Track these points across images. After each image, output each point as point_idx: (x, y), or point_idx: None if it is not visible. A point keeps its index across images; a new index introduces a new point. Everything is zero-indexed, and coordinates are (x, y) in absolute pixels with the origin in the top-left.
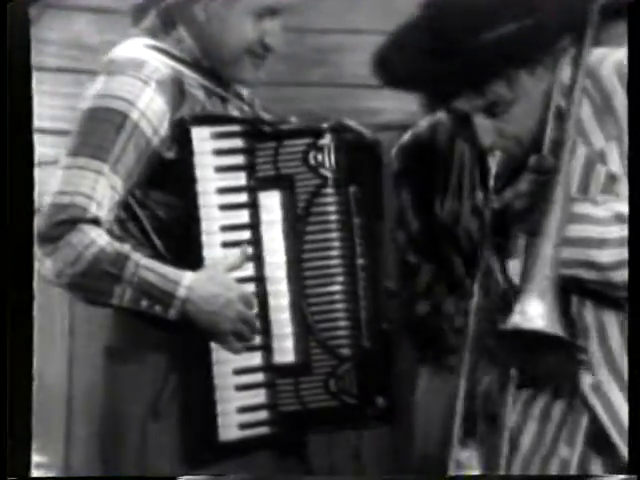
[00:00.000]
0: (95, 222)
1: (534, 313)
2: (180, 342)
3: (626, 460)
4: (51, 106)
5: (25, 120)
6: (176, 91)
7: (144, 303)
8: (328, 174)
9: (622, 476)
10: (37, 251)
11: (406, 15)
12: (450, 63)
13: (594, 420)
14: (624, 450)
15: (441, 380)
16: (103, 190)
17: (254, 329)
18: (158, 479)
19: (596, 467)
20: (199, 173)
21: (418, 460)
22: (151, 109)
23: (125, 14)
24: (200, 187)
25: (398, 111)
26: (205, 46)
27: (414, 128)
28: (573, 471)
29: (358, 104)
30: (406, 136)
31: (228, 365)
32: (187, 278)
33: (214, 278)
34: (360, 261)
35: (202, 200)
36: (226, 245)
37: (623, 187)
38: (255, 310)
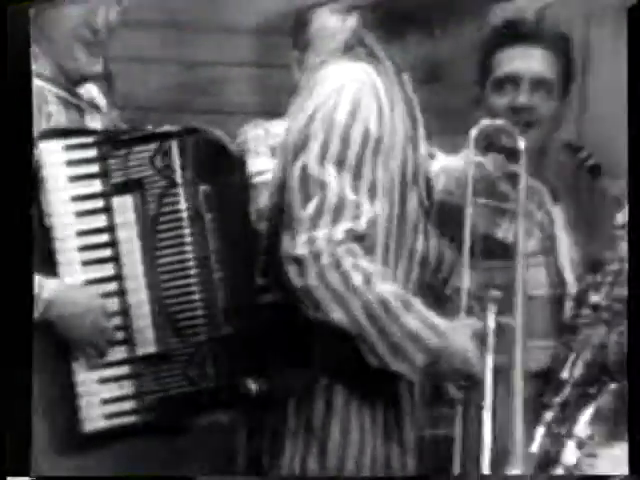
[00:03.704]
0: None
1: None
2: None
3: None
4: None
5: (25, 122)
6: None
7: None
8: (174, 175)
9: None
10: None
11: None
12: None
13: None
14: None
15: None
16: None
17: (111, 343)
18: (161, 478)
19: None
20: (52, 185)
21: None
22: None
23: None
24: (53, 197)
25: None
26: (53, 56)
27: None
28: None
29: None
30: None
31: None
32: (52, 282)
33: (78, 285)
34: (214, 253)
35: (55, 209)
36: (82, 249)
37: None
38: (113, 323)
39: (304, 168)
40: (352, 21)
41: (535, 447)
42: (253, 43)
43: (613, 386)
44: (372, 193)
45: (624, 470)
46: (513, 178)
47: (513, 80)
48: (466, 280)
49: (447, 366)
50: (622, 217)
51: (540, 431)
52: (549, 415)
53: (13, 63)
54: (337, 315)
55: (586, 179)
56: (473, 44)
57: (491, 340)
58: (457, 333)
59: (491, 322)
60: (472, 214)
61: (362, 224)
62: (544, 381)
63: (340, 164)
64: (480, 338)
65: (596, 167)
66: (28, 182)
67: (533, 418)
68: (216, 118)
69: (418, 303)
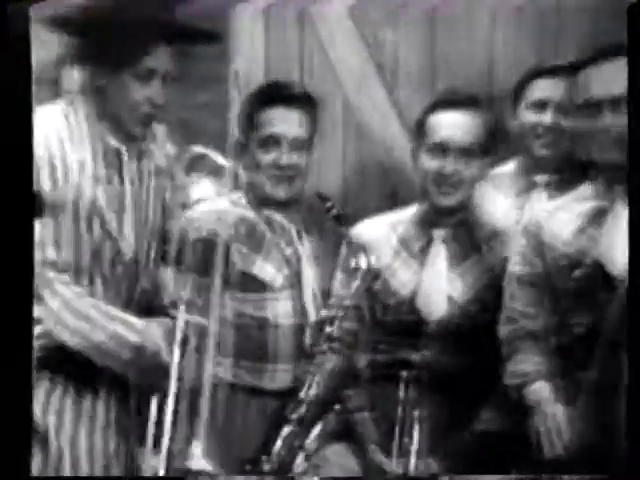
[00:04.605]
0: None
1: None
2: None
3: None
4: None
5: (25, 120)
6: None
7: None
8: None
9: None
10: None
11: None
12: None
13: None
14: None
15: None
16: None
17: None
18: (159, 479)
19: None
20: None
21: None
22: None
23: None
24: None
25: None
26: None
27: None
28: None
29: None
30: None
31: None
32: None
33: None
34: None
35: None
36: None
37: None
38: None
39: None
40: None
41: (273, 457)
42: None
43: (337, 407)
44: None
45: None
46: (269, 221)
47: (275, 140)
48: (218, 311)
49: (146, 359)
50: (356, 261)
51: (278, 443)
52: (287, 430)
53: (13, 61)
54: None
55: (331, 224)
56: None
57: (179, 336)
58: (151, 330)
59: (181, 322)
60: (232, 251)
61: (50, 252)
62: (286, 399)
63: None
64: (171, 335)
65: (339, 216)
66: (28, 180)
67: (274, 432)
68: None
69: (115, 309)
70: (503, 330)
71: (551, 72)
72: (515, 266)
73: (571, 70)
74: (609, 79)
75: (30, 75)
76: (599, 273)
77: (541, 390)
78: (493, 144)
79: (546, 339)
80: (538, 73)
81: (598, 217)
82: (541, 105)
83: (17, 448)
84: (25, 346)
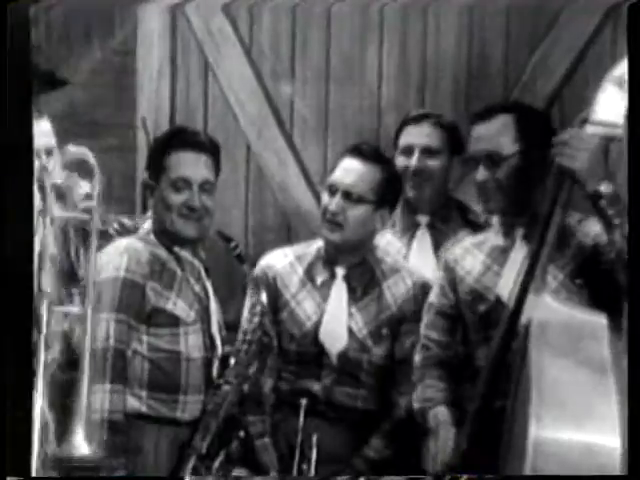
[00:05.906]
0: None
1: None
2: None
3: None
4: None
5: (25, 120)
6: None
7: None
8: None
9: None
10: None
11: None
12: None
13: None
14: None
15: None
16: None
17: None
18: (159, 479)
19: None
20: None
21: None
22: None
23: None
24: None
25: None
26: None
27: None
28: None
29: None
30: None
31: None
32: None
33: None
34: None
35: None
36: None
37: None
38: None
39: None
40: None
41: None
42: None
43: (241, 434)
44: None
45: None
46: (178, 258)
47: (186, 182)
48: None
49: None
50: (256, 297)
51: (188, 469)
52: (194, 457)
53: (13, 58)
54: None
55: (234, 262)
56: None
57: None
58: None
59: None
60: (147, 289)
61: None
62: (196, 429)
63: None
64: None
65: (241, 256)
66: (27, 178)
67: (183, 459)
68: None
69: None
70: (418, 356)
71: (417, 119)
72: (433, 297)
73: (436, 116)
74: (485, 137)
75: (30, 73)
76: (499, 308)
77: (440, 414)
78: (389, 197)
79: (453, 368)
80: (406, 121)
81: (502, 256)
82: (408, 149)
83: (18, 448)
84: (25, 345)
